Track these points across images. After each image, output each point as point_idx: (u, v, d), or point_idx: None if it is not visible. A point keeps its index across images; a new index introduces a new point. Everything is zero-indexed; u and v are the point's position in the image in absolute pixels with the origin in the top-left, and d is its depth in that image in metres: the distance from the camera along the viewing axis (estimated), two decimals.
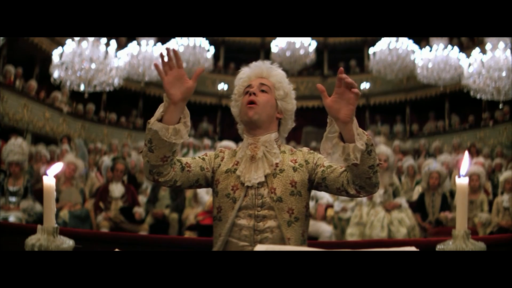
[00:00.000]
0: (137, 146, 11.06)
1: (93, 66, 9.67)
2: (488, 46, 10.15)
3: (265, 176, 1.78)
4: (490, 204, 5.49)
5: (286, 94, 1.90)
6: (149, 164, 1.67)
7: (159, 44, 11.69)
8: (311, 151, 1.91)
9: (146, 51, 11.47)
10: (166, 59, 1.61)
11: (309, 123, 13.83)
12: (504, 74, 9.88)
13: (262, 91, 1.85)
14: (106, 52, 9.94)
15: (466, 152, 1.36)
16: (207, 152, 1.97)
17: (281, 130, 1.93)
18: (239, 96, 1.92)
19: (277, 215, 1.75)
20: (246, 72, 1.94)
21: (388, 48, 11.68)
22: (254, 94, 1.82)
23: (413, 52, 11.76)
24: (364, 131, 1.60)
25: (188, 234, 5.59)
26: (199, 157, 1.88)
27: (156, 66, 1.62)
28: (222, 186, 1.81)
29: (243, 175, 1.79)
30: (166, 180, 1.72)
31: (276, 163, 1.81)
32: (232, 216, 1.76)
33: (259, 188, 1.77)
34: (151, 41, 11.57)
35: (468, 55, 10.85)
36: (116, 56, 10.28)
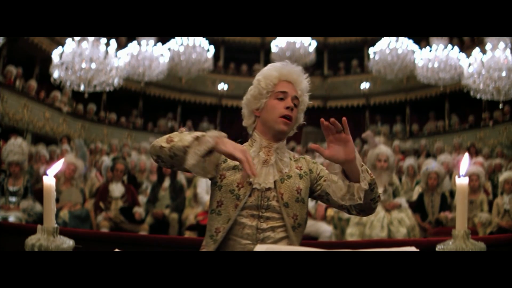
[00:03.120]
0: (137, 146, 11.07)
1: (93, 66, 9.68)
2: (488, 46, 10.15)
3: (274, 182, 1.80)
4: (490, 204, 5.49)
5: (305, 107, 1.94)
6: (159, 156, 1.72)
7: (159, 44, 11.69)
8: (314, 160, 1.94)
9: (146, 51, 11.48)
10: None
11: (309, 123, 13.80)
12: (504, 74, 9.88)
13: (294, 105, 1.86)
14: (106, 52, 9.95)
15: (466, 154, 1.36)
16: None
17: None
18: (267, 92, 1.87)
19: (283, 218, 1.77)
20: (278, 68, 1.90)
21: (388, 48, 11.68)
22: (292, 109, 1.83)
23: (413, 52, 11.77)
24: (368, 169, 1.67)
25: (188, 234, 5.59)
26: None
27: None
28: (228, 181, 1.80)
29: (253, 177, 1.78)
30: (166, 166, 1.78)
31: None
32: (235, 215, 1.75)
33: (266, 191, 1.78)
34: (151, 41, 11.57)
35: (468, 55, 10.85)
36: (116, 56, 10.28)
